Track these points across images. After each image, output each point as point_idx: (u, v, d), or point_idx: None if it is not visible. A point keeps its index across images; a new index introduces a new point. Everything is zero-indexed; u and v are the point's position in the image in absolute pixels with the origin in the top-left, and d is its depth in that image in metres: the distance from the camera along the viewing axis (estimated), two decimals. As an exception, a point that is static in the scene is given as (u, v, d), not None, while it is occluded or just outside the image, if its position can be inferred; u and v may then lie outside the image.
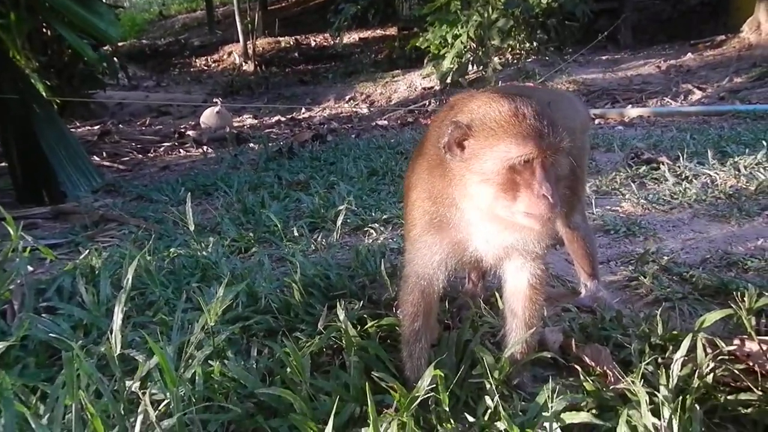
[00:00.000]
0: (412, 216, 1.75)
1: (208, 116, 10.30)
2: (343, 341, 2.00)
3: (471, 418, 1.67)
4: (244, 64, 16.94)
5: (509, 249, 1.68)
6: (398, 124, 9.56)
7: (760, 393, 1.67)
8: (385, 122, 9.87)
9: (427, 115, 10.29)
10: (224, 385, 1.85)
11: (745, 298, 2.09)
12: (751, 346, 1.90)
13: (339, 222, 3.38)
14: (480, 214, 1.56)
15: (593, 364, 1.90)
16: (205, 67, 18.16)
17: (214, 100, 10.49)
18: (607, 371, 1.84)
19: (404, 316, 1.85)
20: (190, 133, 9.45)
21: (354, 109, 11.73)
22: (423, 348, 1.84)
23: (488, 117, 1.46)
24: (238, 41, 17.40)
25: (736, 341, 1.95)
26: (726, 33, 13.00)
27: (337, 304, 2.21)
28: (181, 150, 8.23)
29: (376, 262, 2.86)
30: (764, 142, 4.74)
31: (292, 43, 18.76)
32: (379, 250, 3.10)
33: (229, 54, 18.40)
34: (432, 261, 1.72)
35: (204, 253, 3.02)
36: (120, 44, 18.14)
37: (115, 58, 12.48)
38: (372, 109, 11.62)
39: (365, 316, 2.25)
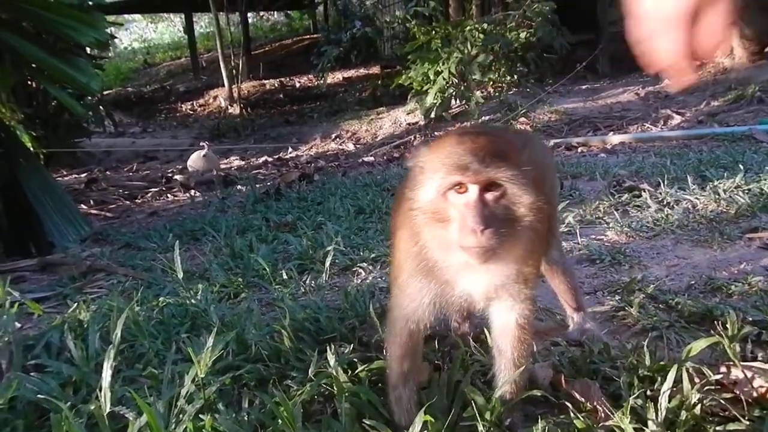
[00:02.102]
0: (399, 260, 1.76)
1: (195, 160, 10.32)
2: (334, 387, 2.00)
3: (464, 462, 1.67)
4: (229, 107, 17.11)
5: (497, 288, 1.68)
6: (384, 160, 9.65)
7: (748, 422, 1.68)
8: (372, 158, 9.97)
9: (413, 150, 10.39)
10: (215, 439, 1.83)
11: (728, 325, 2.12)
12: (737, 373, 1.92)
13: (327, 263, 3.39)
14: (427, 238, 1.58)
15: (583, 399, 1.91)
16: (191, 112, 18.31)
17: (201, 143, 10.53)
18: (597, 407, 1.84)
19: (392, 359, 1.85)
20: (177, 177, 9.48)
21: (340, 147, 11.85)
22: (411, 391, 1.84)
23: (434, 152, 1.50)
24: (223, 85, 17.60)
25: (723, 369, 1.97)
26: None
27: (327, 348, 2.22)
28: (168, 195, 8.25)
29: (366, 302, 2.87)
30: (741, 165, 4.85)
31: (276, 85, 19.00)
32: (368, 290, 3.11)
33: (215, 98, 18.59)
34: (422, 304, 1.72)
35: (193, 300, 3.01)
36: (106, 92, 18.31)
37: (100, 107, 12.57)
38: (358, 146, 11.73)
39: (356, 360, 2.25)
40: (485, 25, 11.77)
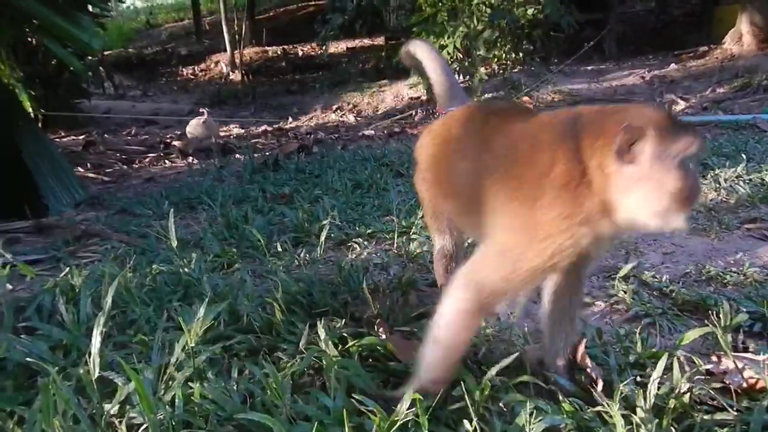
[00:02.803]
0: (544, 246, 1.62)
1: (194, 126, 10.24)
2: (324, 361, 2.00)
3: (450, 441, 1.67)
4: (231, 73, 16.93)
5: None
6: (385, 134, 9.59)
7: (736, 413, 1.68)
8: (372, 132, 9.90)
9: (414, 125, 10.33)
10: (204, 408, 1.83)
11: (721, 315, 2.11)
12: (728, 363, 1.92)
13: (323, 237, 3.38)
14: (640, 211, 1.57)
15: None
16: (192, 77, 18.13)
17: (200, 110, 10.44)
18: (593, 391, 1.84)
19: (449, 347, 1.78)
20: (175, 143, 9.42)
21: (341, 119, 11.76)
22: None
23: (652, 122, 1.54)
24: (226, 51, 17.40)
25: (714, 358, 1.98)
26: (709, 44, 13.19)
27: (318, 322, 2.22)
28: (166, 161, 8.21)
29: (359, 278, 2.87)
30: (743, 155, 4.81)
31: (279, 52, 18.78)
32: (362, 265, 3.10)
33: (216, 63, 18.39)
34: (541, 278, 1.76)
35: (186, 269, 3.00)
36: (106, 53, 18.08)
37: (101, 68, 12.43)
38: (359, 118, 11.64)
39: (346, 334, 2.24)
40: (493, 0, 11.57)
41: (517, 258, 1.66)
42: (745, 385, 1.82)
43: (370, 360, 2.13)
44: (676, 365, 1.80)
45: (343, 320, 2.41)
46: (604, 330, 2.29)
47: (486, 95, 11.13)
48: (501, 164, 1.80)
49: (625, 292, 2.61)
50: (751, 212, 3.68)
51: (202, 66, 18.84)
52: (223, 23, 16.99)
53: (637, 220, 1.58)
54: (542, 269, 1.65)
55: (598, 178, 1.57)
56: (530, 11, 11.76)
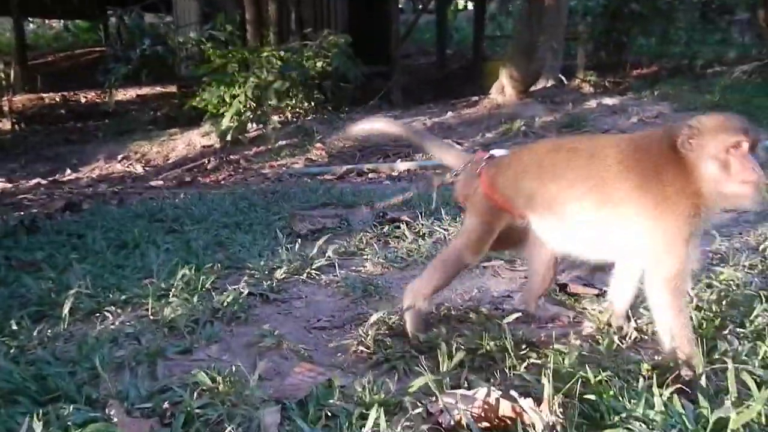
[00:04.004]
0: (683, 213, 2.22)
1: (-57, 183, 8.92)
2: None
3: None
4: (-2, 121, 15.08)
5: None
6: (175, 184, 9.21)
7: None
8: (161, 182, 9.45)
9: (206, 173, 10.07)
10: None
11: (440, 357, 2.32)
12: (447, 400, 2.10)
13: (66, 308, 3.08)
14: (708, 189, 2.20)
15: None
16: (-51, 125, 15.80)
17: (-47, 164, 9.12)
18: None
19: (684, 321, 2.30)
20: None
21: (127, 169, 11.04)
22: None
23: (704, 123, 2.21)
24: (-9, 97, 15.49)
25: (433, 398, 2.15)
26: (480, 94, 14.80)
27: (35, 414, 2.00)
28: None
29: (105, 352, 2.67)
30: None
31: (58, 99, 17.20)
32: (110, 337, 2.89)
33: (-21, 111, 16.26)
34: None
35: None
36: None
37: None
38: (148, 168, 11.04)
39: (71, 423, 2.05)
40: (282, 53, 11.85)
41: (675, 235, 2.23)
42: (452, 422, 2.00)
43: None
44: (381, 415, 1.93)
45: (73, 405, 2.20)
46: (347, 379, 2.38)
47: (281, 142, 11.30)
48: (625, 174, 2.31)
49: (369, 338, 2.73)
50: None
51: (-37, 113, 16.52)
52: (-13, 66, 15.17)
53: (711, 197, 2.21)
54: (692, 233, 2.25)
55: (687, 164, 2.20)
56: (320, 64, 12.24)
